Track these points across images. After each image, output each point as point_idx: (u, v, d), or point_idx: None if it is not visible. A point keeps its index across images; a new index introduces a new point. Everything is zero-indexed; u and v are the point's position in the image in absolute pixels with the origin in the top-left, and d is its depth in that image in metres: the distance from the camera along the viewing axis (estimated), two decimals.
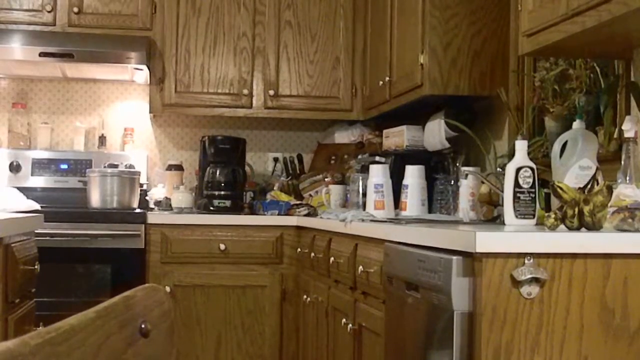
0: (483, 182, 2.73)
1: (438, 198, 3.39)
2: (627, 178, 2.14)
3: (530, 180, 2.16)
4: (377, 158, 3.55)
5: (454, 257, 1.81)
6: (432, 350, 2.01)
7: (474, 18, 3.34)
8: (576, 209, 1.90)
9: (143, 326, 0.92)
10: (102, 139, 4.59)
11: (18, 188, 4.11)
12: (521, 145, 2.20)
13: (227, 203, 4.20)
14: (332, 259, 3.19)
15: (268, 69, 4.39)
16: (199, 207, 4.27)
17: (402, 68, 3.61)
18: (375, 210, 3.13)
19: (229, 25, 4.37)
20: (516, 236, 1.75)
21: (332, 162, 4.51)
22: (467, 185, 2.89)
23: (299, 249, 3.95)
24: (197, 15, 4.35)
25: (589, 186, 1.96)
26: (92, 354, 0.79)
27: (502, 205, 2.25)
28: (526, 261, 1.71)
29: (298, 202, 4.26)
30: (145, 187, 4.43)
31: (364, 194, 3.31)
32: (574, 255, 1.74)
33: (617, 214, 1.90)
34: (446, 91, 3.33)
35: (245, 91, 4.36)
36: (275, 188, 4.43)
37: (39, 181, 4.40)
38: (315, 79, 4.42)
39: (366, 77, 4.31)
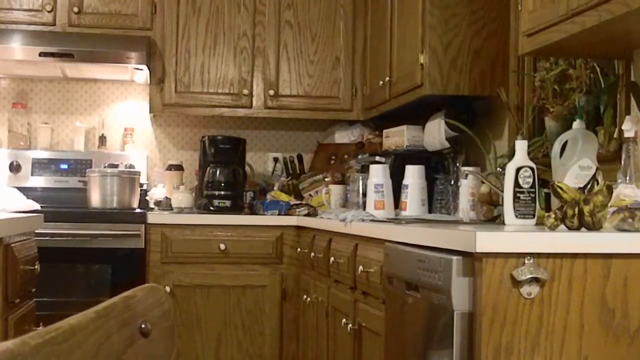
0: (483, 182, 2.73)
1: (438, 198, 3.39)
2: (627, 178, 2.14)
3: (530, 180, 2.16)
4: (377, 158, 3.55)
5: (454, 257, 1.81)
6: (432, 350, 2.00)
7: (474, 18, 3.34)
8: (576, 209, 1.90)
9: (143, 326, 0.92)
10: (102, 139, 4.59)
11: (18, 188, 4.11)
12: (521, 145, 2.20)
13: (227, 203, 4.20)
14: (332, 259, 3.19)
15: (268, 69, 4.39)
16: (199, 207, 4.27)
17: (402, 68, 3.61)
18: (375, 210, 3.13)
19: (229, 25, 4.37)
20: (516, 236, 1.75)
21: (332, 162, 4.51)
22: (467, 185, 2.89)
23: (299, 249, 3.95)
24: (197, 15, 4.35)
25: (589, 186, 1.96)
26: (92, 354, 0.79)
27: (502, 205, 2.25)
28: (526, 261, 1.71)
29: (298, 202, 4.26)
30: (145, 187, 4.43)
31: (364, 194, 3.31)
32: (574, 255, 1.74)
33: (617, 214, 1.90)
34: (446, 91, 3.33)
35: (245, 91, 4.36)
36: (275, 188, 4.43)
37: (39, 181, 4.40)
38: (315, 79, 4.42)
39: (366, 77, 4.31)
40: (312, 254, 3.56)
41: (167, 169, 4.54)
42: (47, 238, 3.63)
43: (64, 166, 4.43)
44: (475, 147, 3.24)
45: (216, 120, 4.69)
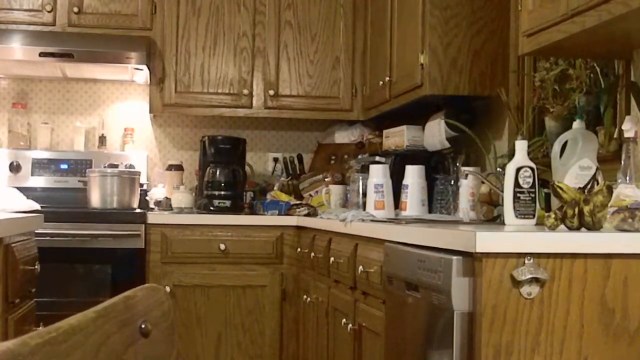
0: (483, 182, 2.73)
1: (438, 198, 3.39)
2: (627, 178, 2.14)
3: (530, 180, 2.16)
4: (377, 158, 3.55)
5: (454, 257, 1.81)
6: (432, 350, 2.00)
7: (474, 18, 3.34)
8: (576, 209, 1.90)
9: (143, 326, 0.92)
10: (102, 139, 4.59)
11: (18, 188, 4.11)
12: (521, 145, 2.20)
13: (227, 203, 4.21)
14: (332, 259, 3.19)
15: (268, 69, 4.39)
16: (199, 207, 4.27)
17: (402, 68, 3.61)
18: (375, 210, 3.13)
19: (229, 25, 4.37)
20: (516, 236, 1.75)
21: (332, 162, 4.51)
22: (467, 185, 2.89)
23: (299, 249, 3.95)
24: (197, 15, 4.35)
25: (589, 186, 1.96)
26: (92, 354, 0.79)
27: (502, 205, 2.25)
28: (526, 261, 1.71)
29: (298, 202, 4.26)
30: (145, 187, 4.43)
31: (364, 194, 3.31)
32: (574, 255, 1.74)
33: (617, 214, 1.90)
34: (446, 91, 3.33)
35: (245, 91, 4.36)
36: (275, 188, 4.43)
37: (39, 181, 4.40)
38: (315, 79, 4.42)
39: (366, 77, 4.31)
40: (312, 254, 3.56)
41: (167, 169, 4.54)
42: (47, 238, 3.63)
43: (64, 166, 4.43)
44: (475, 147, 3.24)
45: (216, 120, 4.69)
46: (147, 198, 4.40)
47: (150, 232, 3.95)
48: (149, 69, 4.26)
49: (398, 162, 3.55)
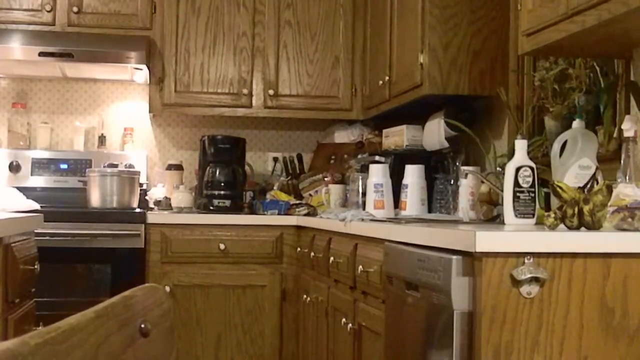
0: (483, 182, 2.73)
1: (438, 197, 3.39)
2: (627, 177, 2.14)
3: (530, 179, 2.16)
4: (377, 158, 3.55)
5: (454, 257, 1.81)
6: (432, 350, 2.01)
7: (474, 17, 3.34)
8: (576, 209, 1.90)
9: (143, 326, 0.92)
10: (102, 139, 4.59)
11: (18, 188, 4.11)
12: (521, 145, 2.20)
13: (227, 203, 4.20)
14: (331, 258, 3.19)
15: (268, 69, 4.39)
16: (198, 207, 4.27)
17: (402, 67, 3.61)
18: (375, 210, 3.13)
19: (229, 25, 4.37)
20: (516, 236, 1.75)
21: (332, 161, 4.51)
22: (467, 185, 2.89)
23: (298, 249, 3.95)
24: (196, 15, 4.35)
25: (588, 185, 1.96)
26: (92, 354, 0.79)
27: (502, 205, 2.25)
28: (526, 261, 1.71)
29: (298, 201, 4.26)
30: (145, 186, 4.43)
31: (364, 194, 3.31)
32: (574, 255, 1.74)
33: (616, 214, 1.91)
34: (446, 91, 3.33)
35: (245, 91, 4.36)
36: (275, 188, 4.43)
37: (39, 181, 4.40)
38: (314, 78, 4.42)
39: (366, 77, 4.31)
40: (312, 253, 3.56)
41: (166, 169, 4.54)
42: (47, 238, 3.63)
43: (63, 166, 4.43)
44: (475, 146, 3.24)
45: (216, 120, 4.69)
46: (146, 198, 4.40)
47: (150, 231, 3.95)
48: (148, 68, 4.26)
49: (398, 162, 3.55)
